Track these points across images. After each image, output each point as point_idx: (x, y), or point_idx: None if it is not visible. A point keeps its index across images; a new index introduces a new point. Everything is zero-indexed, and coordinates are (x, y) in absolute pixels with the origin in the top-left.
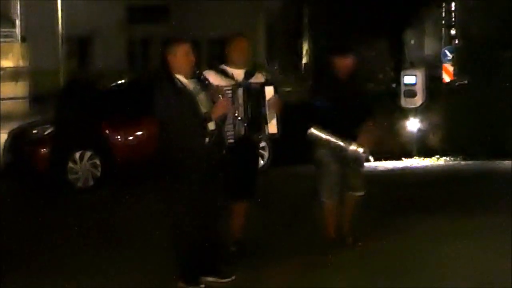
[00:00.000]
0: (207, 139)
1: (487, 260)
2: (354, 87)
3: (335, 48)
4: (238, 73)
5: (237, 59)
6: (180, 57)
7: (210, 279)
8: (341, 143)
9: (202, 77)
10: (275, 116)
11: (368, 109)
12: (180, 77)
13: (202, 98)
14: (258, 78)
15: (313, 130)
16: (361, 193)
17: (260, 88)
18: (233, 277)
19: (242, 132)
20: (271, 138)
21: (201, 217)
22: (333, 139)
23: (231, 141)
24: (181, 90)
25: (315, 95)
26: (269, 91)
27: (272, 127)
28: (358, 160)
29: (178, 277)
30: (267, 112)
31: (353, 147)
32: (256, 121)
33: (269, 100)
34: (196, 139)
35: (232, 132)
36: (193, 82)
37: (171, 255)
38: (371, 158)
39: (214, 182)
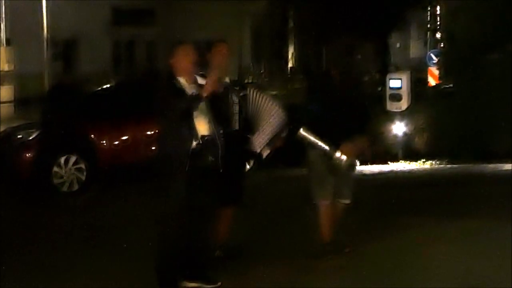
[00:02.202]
0: (194, 143)
1: (473, 263)
2: (350, 91)
3: (338, 71)
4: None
5: (219, 65)
6: (181, 57)
7: (195, 284)
8: (327, 148)
9: (203, 76)
10: (272, 149)
11: (363, 117)
12: (182, 80)
13: (200, 104)
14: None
15: (302, 131)
16: (347, 202)
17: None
18: (219, 283)
19: (236, 127)
20: (257, 156)
21: (184, 221)
22: (320, 143)
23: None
24: (178, 92)
25: (310, 98)
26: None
27: (266, 153)
28: (341, 167)
29: (158, 282)
30: (271, 142)
31: (337, 154)
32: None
33: (280, 135)
34: (183, 142)
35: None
36: (194, 87)
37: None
38: (356, 163)
39: (202, 187)
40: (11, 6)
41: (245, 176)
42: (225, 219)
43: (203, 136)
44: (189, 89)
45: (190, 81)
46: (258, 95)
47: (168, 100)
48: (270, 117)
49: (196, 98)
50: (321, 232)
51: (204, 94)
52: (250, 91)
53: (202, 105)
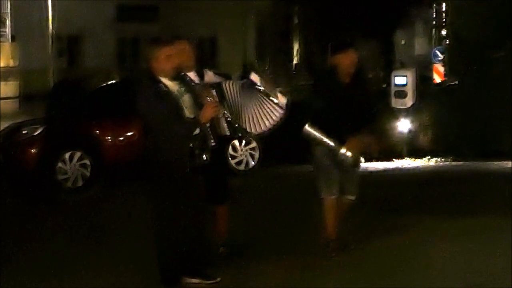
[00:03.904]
0: (191, 144)
1: (478, 260)
2: (356, 87)
3: (336, 45)
4: (193, 75)
5: (182, 62)
6: (164, 59)
7: (195, 280)
8: (332, 144)
9: (188, 78)
10: (276, 90)
11: (368, 113)
12: (164, 79)
13: (186, 100)
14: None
15: (307, 128)
16: (352, 198)
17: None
18: (218, 279)
19: (227, 131)
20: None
21: (183, 219)
22: (325, 139)
23: (213, 144)
24: (165, 93)
25: (315, 94)
26: (255, 77)
27: (281, 99)
28: (347, 164)
29: (159, 278)
30: (270, 92)
31: (342, 150)
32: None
33: (261, 83)
34: (180, 143)
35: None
36: (177, 84)
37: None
38: (362, 160)
39: (196, 185)
40: (16, 2)
41: (229, 174)
42: (221, 217)
43: (195, 135)
44: (173, 88)
45: (172, 78)
46: (233, 87)
47: (157, 104)
48: (253, 103)
49: (194, 124)
50: (326, 229)
51: (202, 121)
52: (224, 86)
53: (189, 103)
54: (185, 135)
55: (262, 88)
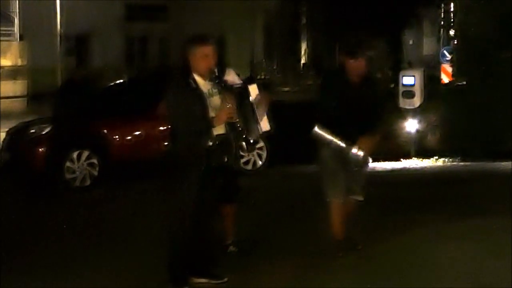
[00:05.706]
0: (210, 143)
1: (485, 261)
2: (365, 89)
3: (347, 50)
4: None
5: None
6: (199, 58)
7: (202, 280)
8: (343, 145)
9: (217, 80)
10: (265, 113)
11: (377, 113)
12: (197, 77)
13: (214, 101)
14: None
15: (317, 129)
16: (360, 198)
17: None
18: (226, 279)
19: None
20: (264, 135)
21: (195, 218)
22: (335, 140)
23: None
24: (194, 89)
25: (324, 95)
26: (253, 89)
27: (264, 124)
28: (358, 164)
29: (168, 277)
30: (256, 111)
31: (354, 150)
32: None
33: (255, 98)
34: (198, 141)
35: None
36: (209, 84)
37: (166, 254)
38: (370, 159)
39: (212, 185)
40: (24, 1)
41: (239, 173)
42: (228, 216)
43: (218, 135)
44: (205, 87)
45: (207, 78)
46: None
47: (183, 99)
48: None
49: (211, 124)
50: (334, 229)
51: (216, 124)
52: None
53: (218, 104)
54: (204, 133)
55: (254, 104)
